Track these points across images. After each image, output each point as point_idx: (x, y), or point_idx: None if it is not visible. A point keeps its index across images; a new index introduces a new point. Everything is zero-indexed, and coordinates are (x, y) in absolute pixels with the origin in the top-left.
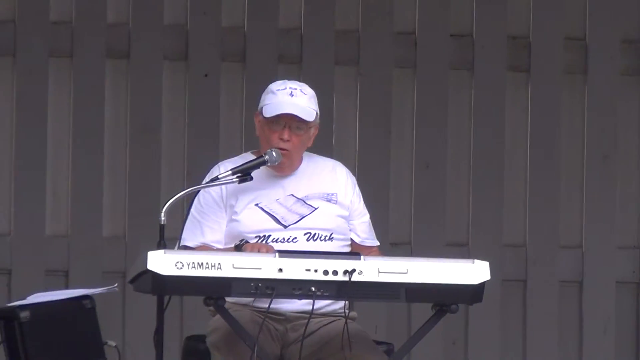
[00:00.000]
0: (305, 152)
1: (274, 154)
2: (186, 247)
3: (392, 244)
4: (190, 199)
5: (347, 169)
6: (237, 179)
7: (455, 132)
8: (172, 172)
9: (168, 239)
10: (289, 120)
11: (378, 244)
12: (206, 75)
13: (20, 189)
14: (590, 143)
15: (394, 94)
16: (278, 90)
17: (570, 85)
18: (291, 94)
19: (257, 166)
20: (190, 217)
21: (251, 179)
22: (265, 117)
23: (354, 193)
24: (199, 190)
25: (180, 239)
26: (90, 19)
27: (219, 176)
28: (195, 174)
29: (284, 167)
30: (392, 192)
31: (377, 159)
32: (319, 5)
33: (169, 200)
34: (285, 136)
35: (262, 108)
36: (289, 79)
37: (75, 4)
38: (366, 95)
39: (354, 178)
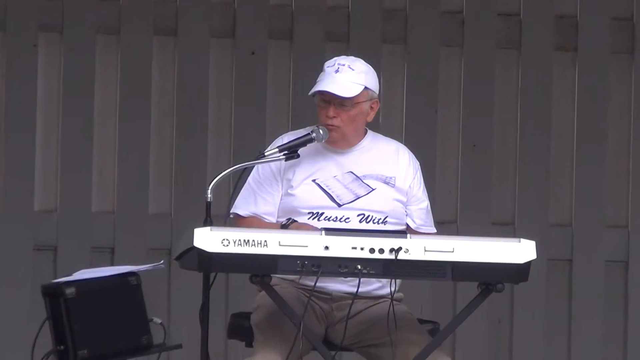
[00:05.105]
0: (370, 131)
1: (320, 131)
2: (237, 215)
3: (438, 222)
4: (236, 176)
5: (411, 154)
6: (283, 157)
7: (502, 112)
8: (218, 149)
9: (214, 216)
10: (332, 97)
11: (435, 231)
12: (253, 53)
13: (67, 165)
14: (637, 122)
15: (441, 73)
16: (327, 67)
17: (617, 65)
18: (337, 70)
19: (304, 144)
20: (246, 185)
21: (298, 156)
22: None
23: (414, 178)
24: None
25: (232, 205)
26: None
27: (266, 153)
28: (241, 151)
29: (337, 141)
30: (439, 171)
31: (424, 138)
32: None
33: (215, 178)
34: (331, 113)
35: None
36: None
37: None
38: (413, 74)
39: (417, 163)
